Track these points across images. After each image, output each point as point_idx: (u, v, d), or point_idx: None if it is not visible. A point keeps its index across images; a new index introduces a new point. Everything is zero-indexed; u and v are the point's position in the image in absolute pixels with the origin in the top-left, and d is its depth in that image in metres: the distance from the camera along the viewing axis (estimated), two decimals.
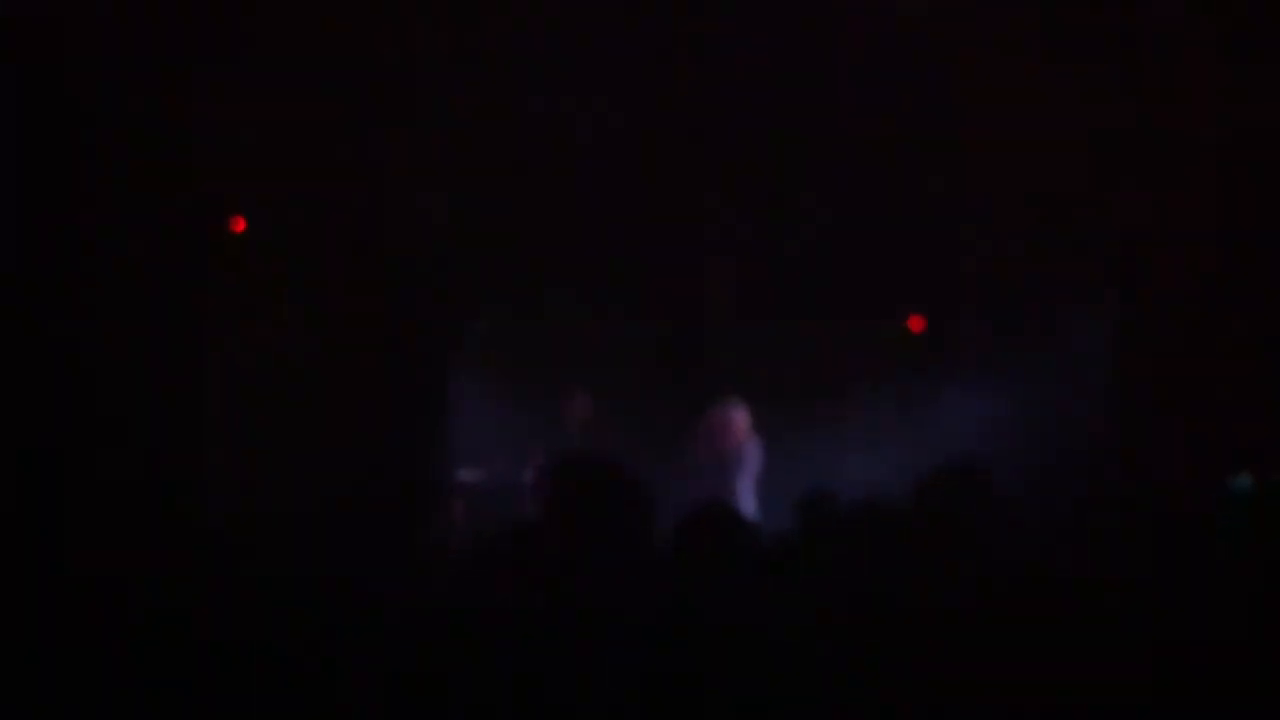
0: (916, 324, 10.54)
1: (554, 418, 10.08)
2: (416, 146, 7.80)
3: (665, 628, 2.89)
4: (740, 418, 9.03)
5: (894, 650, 2.87)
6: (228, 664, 3.04)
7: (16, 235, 5.66)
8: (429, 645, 2.94)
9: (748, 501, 8.75)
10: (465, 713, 2.81)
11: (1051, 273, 9.02)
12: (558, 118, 7.80)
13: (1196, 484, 6.47)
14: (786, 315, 10.69)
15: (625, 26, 6.80)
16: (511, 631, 2.87)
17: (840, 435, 10.32)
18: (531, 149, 8.02)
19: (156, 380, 6.28)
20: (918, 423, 9.81)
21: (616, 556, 2.96)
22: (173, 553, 4.06)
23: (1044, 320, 9.19)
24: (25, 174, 5.69)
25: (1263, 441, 7.39)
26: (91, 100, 5.92)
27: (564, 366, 10.46)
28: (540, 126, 7.86)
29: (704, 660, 2.82)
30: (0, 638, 3.27)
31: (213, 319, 6.94)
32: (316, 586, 3.35)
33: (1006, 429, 8.93)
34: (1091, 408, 8.97)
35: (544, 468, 3.34)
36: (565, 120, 7.84)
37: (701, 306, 11.14)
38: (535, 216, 8.82)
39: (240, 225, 7.14)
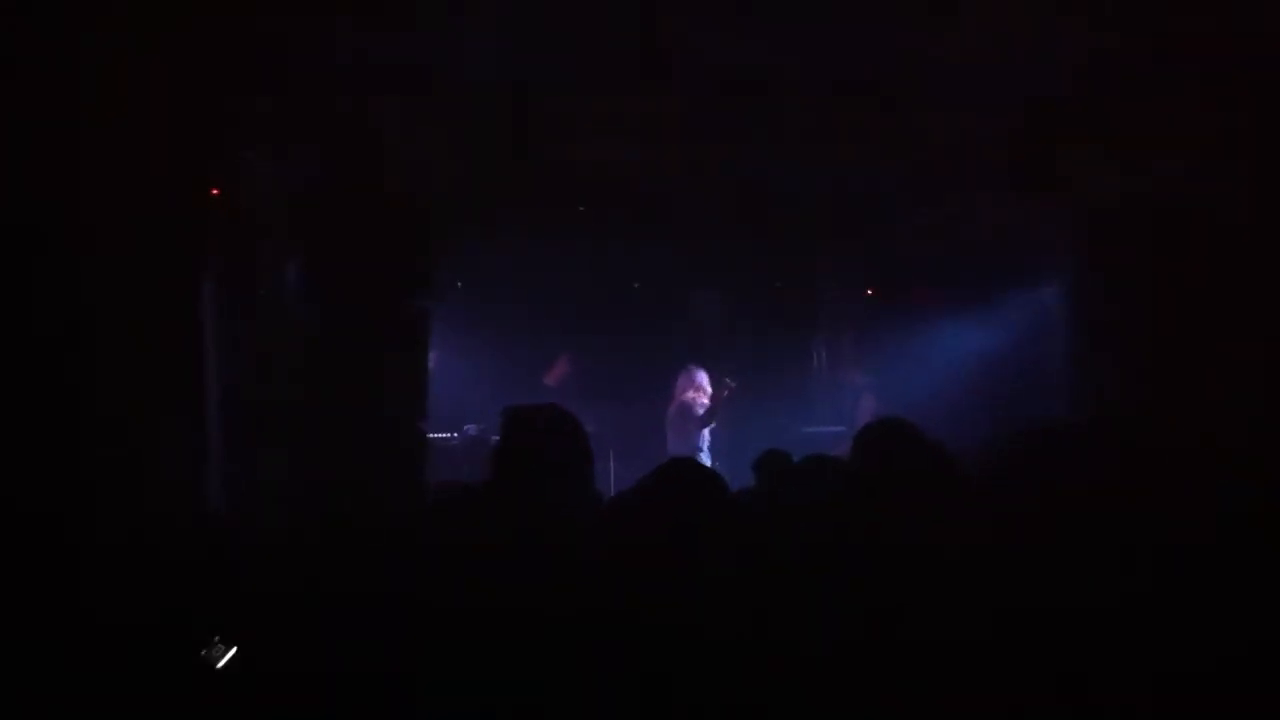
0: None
1: (537, 379, 10.44)
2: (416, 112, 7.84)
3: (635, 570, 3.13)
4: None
5: (849, 587, 3.13)
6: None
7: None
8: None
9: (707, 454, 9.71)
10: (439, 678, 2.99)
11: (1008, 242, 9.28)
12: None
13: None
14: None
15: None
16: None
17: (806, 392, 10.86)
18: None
19: (153, 362, 6.18)
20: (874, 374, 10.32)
21: (561, 488, 3.35)
22: (174, 533, 4.13)
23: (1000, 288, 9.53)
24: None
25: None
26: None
27: (548, 333, 10.78)
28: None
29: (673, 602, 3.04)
30: (1, 638, 3.32)
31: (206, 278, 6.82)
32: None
33: (954, 381, 9.38)
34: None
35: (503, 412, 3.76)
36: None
37: (681, 279, 11.43)
38: (524, 182, 8.95)
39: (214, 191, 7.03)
